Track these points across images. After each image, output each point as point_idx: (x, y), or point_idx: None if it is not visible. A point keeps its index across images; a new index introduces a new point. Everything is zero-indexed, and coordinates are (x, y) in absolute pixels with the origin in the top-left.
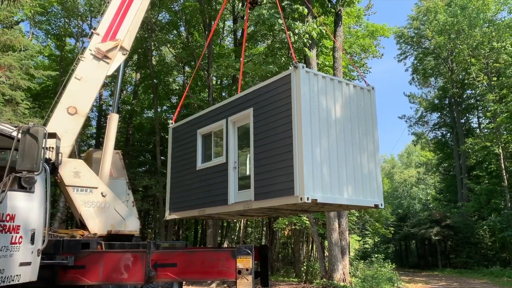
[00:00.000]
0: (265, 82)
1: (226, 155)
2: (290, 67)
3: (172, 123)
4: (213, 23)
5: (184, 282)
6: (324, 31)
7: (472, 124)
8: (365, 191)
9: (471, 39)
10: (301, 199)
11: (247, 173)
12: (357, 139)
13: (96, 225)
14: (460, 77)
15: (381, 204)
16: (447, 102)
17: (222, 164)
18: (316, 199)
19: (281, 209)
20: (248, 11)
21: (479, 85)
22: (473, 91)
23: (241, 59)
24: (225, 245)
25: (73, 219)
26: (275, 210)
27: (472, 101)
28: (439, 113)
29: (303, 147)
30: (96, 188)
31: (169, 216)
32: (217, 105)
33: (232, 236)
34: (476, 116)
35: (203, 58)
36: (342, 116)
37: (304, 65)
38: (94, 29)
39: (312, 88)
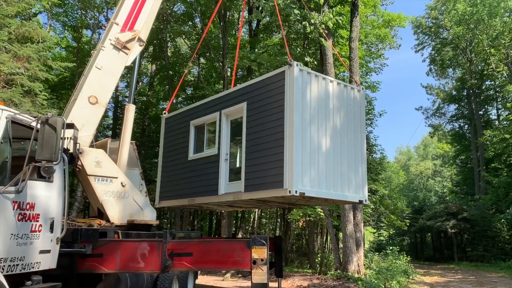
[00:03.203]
0: (259, 78)
1: (218, 147)
2: (305, 58)
3: (165, 113)
4: (228, 14)
5: (199, 272)
6: (340, 22)
7: (491, 116)
8: (350, 187)
9: (491, 29)
10: (289, 192)
11: (238, 165)
12: (345, 137)
13: (116, 214)
14: (479, 67)
15: (365, 200)
16: (465, 93)
17: (214, 156)
18: (304, 193)
19: (270, 201)
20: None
21: (499, 76)
22: (493, 82)
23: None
24: (240, 235)
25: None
26: (264, 202)
27: (491, 92)
28: (456, 105)
29: (293, 142)
30: (116, 178)
31: (158, 204)
32: (211, 98)
33: (246, 227)
34: (495, 108)
35: (219, 50)
36: (333, 114)
37: (299, 63)
38: (109, 19)
39: (304, 86)
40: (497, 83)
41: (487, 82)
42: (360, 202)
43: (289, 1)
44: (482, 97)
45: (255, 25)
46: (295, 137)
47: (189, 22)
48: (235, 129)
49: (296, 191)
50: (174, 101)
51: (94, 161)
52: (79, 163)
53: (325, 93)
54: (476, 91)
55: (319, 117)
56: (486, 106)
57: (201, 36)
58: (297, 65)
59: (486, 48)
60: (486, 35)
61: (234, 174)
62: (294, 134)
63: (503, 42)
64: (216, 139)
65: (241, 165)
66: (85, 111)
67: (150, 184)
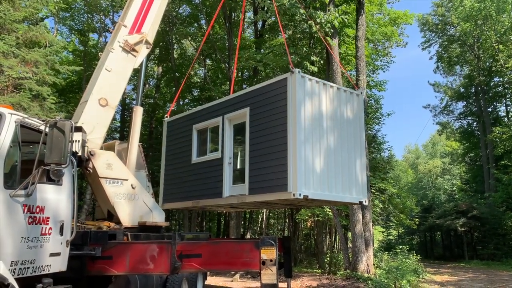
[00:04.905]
0: (262, 84)
1: (222, 151)
2: (311, 57)
3: (167, 117)
4: (233, 15)
5: (208, 273)
6: (346, 20)
7: (499, 113)
8: (351, 188)
9: (499, 25)
10: (293, 195)
11: (242, 168)
12: (345, 139)
13: (126, 216)
14: (487, 64)
15: (365, 201)
16: (473, 90)
17: (217, 159)
18: (307, 196)
19: (273, 203)
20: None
21: (508, 72)
22: (501, 78)
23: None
24: (248, 236)
25: None
26: (267, 204)
27: (500, 89)
28: (465, 102)
29: (296, 146)
30: (127, 180)
31: (162, 206)
32: (214, 102)
33: (255, 228)
34: (504, 104)
35: (225, 51)
36: (333, 118)
37: (300, 70)
38: (115, 22)
39: (306, 92)
40: (505, 79)
41: (495, 79)
42: (360, 203)
43: (294, 0)
44: (490, 94)
45: (260, 25)
46: (298, 141)
47: (195, 24)
48: (238, 133)
49: (300, 194)
50: (181, 102)
51: (105, 163)
52: (90, 165)
53: (325, 96)
54: (485, 88)
55: (320, 123)
56: (494, 103)
57: (207, 38)
58: (298, 72)
59: (494, 44)
60: (494, 31)
61: (238, 177)
62: (297, 138)
63: (511, 38)
64: (219, 143)
65: (245, 169)
66: (96, 114)
67: (158, 186)
